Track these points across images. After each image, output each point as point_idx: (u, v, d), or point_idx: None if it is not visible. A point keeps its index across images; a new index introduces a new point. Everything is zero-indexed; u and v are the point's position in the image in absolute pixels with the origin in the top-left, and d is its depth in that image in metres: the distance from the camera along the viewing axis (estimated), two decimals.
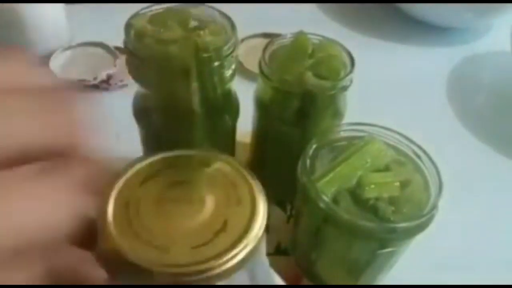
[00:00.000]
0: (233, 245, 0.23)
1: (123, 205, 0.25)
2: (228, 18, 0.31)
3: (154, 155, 0.28)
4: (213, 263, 0.23)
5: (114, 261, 0.23)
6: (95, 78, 0.50)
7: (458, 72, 0.59)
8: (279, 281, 0.29)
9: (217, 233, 0.24)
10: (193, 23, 0.32)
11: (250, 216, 0.25)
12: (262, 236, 0.25)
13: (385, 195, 0.28)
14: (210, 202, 0.26)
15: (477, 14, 0.61)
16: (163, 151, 0.29)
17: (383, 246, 0.29)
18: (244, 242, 0.24)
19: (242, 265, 0.23)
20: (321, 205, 0.28)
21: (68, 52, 0.55)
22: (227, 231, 0.24)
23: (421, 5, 0.62)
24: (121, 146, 0.45)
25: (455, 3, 0.59)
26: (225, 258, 0.23)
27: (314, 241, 0.31)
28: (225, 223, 0.25)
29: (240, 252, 0.23)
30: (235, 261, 0.23)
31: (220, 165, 0.28)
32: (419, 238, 0.28)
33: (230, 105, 0.35)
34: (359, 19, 0.67)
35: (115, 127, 0.47)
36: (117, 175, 0.27)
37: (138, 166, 0.28)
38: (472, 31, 0.66)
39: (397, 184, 0.29)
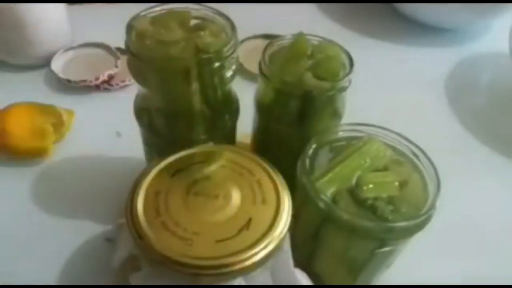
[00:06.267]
0: (256, 243, 0.24)
1: (154, 194, 0.26)
2: (228, 19, 0.32)
3: (188, 149, 0.29)
4: (234, 259, 0.23)
5: (139, 246, 0.24)
6: (96, 79, 0.51)
7: (457, 72, 0.59)
8: (303, 281, 0.29)
9: (241, 230, 0.25)
10: (193, 24, 0.32)
11: (274, 215, 0.26)
12: (285, 236, 0.25)
13: (384, 194, 0.28)
14: (236, 199, 0.26)
15: (477, 14, 0.61)
16: (196, 146, 0.29)
17: (382, 245, 0.29)
18: (267, 240, 0.24)
19: (263, 263, 0.24)
20: (321, 205, 0.28)
21: (69, 53, 0.55)
22: (251, 229, 0.25)
23: (421, 6, 0.62)
24: (122, 146, 0.46)
25: (454, 4, 0.59)
26: (246, 255, 0.23)
27: (313, 241, 0.31)
28: (249, 221, 0.25)
29: (262, 250, 0.24)
30: (256, 258, 0.23)
31: (248, 163, 0.28)
32: (417, 237, 0.28)
33: (230, 105, 0.35)
34: (359, 19, 0.67)
35: (116, 127, 0.47)
36: (150, 166, 0.28)
37: (171, 159, 0.28)
38: (471, 32, 0.66)
39: (396, 183, 0.29)
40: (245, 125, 0.38)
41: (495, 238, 0.41)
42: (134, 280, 0.27)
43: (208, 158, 0.29)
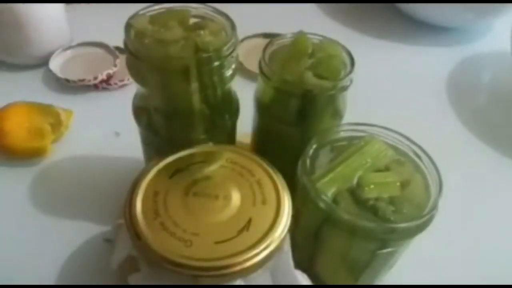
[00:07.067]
0: (256, 244, 0.24)
1: (152, 194, 0.26)
2: (228, 18, 0.31)
3: (187, 149, 0.29)
4: (234, 260, 0.23)
5: (138, 247, 0.24)
6: (95, 78, 0.50)
7: (458, 72, 0.59)
8: (304, 282, 0.29)
9: (240, 231, 0.25)
10: (193, 23, 0.32)
11: (274, 216, 0.25)
12: (285, 237, 0.25)
13: (385, 195, 0.28)
14: (235, 199, 0.26)
15: (478, 14, 0.61)
16: (196, 146, 0.29)
17: (383, 246, 0.29)
18: (267, 241, 0.24)
19: (263, 264, 0.24)
20: (321, 205, 0.28)
21: (68, 52, 0.55)
22: (251, 230, 0.25)
23: (421, 5, 0.62)
24: (121, 145, 0.45)
25: (455, 3, 0.59)
26: (246, 256, 0.23)
27: (314, 241, 0.31)
28: (249, 221, 0.25)
29: (262, 252, 0.24)
30: (256, 260, 0.23)
31: (248, 163, 0.28)
32: (419, 238, 0.28)
33: (230, 105, 0.35)
34: (359, 19, 0.67)
35: (115, 127, 0.47)
36: (149, 166, 0.27)
37: (170, 159, 0.28)
38: (472, 31, 0.66)
39: (397, 184, 0.29)
40: (245, 125, 0.38)
41: (497, 238, 0.41)
42: (133, 281, 0.27)
43: (207, 158, 0.29)
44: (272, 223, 0.25)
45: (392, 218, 0.27)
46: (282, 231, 0.25)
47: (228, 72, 0.31)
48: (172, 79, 0.30)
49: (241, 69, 0.52)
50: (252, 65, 0.51)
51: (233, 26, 0.31)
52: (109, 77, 0.52)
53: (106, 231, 0.38)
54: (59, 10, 0.53)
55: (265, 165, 0.28)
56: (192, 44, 0.29)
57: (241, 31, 0.32)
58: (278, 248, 0.24)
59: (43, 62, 0.53)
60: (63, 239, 0.38)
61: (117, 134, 0.47)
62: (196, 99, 0.32)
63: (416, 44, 0.63)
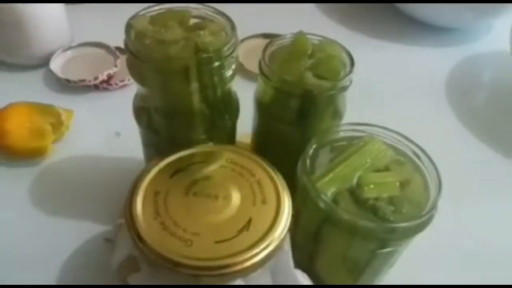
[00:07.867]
0: (256, 244, 0.24)
1: (153, 194, 0.26)
2: (228, 19, 0.31)
3: (187, 149, 0.29)
4: (234, 259, 0.23)
5: (138, 246, 0.24)
6: (95, 78, 0.51)
7: (458, 72, 0.59)
8: (304, 282, 0.29)
9: (240, 230, 0.25)
10: (193, 24, 0.32)
11: (274, 216, 0.25)
12: (285, 236, 0.25)
13: (385, 195, 0.28)
14: (235, 199, 0.26)
15: (477, 14, 0.61)
16: (196, 146, 0.29)
17: (383, 246, 0.29)
18: (267, 241, 0.24)
19: (263, 264, 0.24)
20: (321, 205, 0.28)
21: (68, 52, 0.55)
22: (251, 229, 0.25)
23: (421, 5, 0.62)
24: (122, 146, 0.45)
25: (455, 3, 0.59)
26: (246, 256, 0.23)
27: (314, 241, 0.31)
28: (249, 221, 0.25)
29: (262, 251, 0.24)
30: (256, 259, 0.23)
31: (248, 163, 0.28)
32: (419, 237, 0.28)
33: (230, 105, 0.35)
34: (359, 19, 0.67)
35: (115, 127, 0.47)
36: (149, 166, 0.28)
37: (171, 158, 0.28)
38: (472, 31, 0.66)
39: (397, 184, 0.29)
40: (245, 125, 0.38)
41: (497, 238, 0.41)
42: (133, 280, 0.27)
43: (208, 158, 0.29)
44: (272, 223, 0.25)
45: (391, 218, 0.27)
46: (282, 231, 0.25)
47: (228, 73, 0.31)
48: (172, 79, 0.30)
49: (241, 70, 0.52)
50: (252, 66, 0.51)
51: (233, 26, 0.31)
52: (110, 77, 0.52)
53: (107, 231, 0.38)
54: (60, 10, 0.53)
55: (265, 165, 0.28)
56: (192, 44, 0.30)
57: (241, 31, 0.32)
58: (278, 248, 0.24)
59: (43, 62, 0.53)
60: (63, 239, 0.38)
61: (117, 134, 0.47)
62: (196, 99, 0.32)
63: (416, 44, 0.63)
